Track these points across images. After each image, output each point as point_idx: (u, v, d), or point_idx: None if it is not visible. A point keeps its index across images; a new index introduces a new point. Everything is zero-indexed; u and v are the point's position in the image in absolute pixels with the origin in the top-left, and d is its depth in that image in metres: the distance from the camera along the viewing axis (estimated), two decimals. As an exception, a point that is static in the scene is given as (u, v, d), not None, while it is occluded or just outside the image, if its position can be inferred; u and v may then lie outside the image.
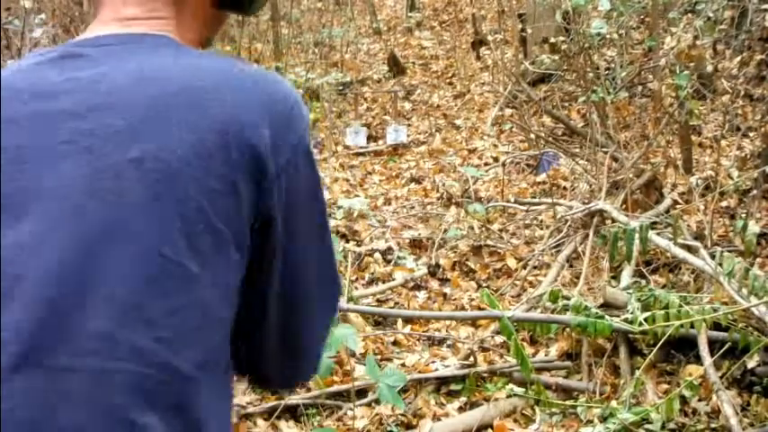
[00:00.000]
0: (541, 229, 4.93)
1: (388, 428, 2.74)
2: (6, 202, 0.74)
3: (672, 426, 2.61)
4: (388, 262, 4.55)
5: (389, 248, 4.68)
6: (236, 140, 0.77)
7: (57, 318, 0.71)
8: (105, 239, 0.73)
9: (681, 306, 2.72)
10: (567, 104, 7.20)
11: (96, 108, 0.77)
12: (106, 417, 0.71)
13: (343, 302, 3.18)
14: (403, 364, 3.21)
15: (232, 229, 0.77)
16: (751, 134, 5.44)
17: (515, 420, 2.81)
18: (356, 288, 4.05)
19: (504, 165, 5.75)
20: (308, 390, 2.88)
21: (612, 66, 6.18)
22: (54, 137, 0.77)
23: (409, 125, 8.35)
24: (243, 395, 2.78)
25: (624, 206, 4.33)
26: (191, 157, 0.75)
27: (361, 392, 2.88)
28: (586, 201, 4.71)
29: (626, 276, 3.59)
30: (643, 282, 3.58)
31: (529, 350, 3.31)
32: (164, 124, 0.76)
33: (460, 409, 2.88)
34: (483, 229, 4.87)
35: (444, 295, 4.12)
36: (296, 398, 2.76)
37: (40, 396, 0.70)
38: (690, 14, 5.24)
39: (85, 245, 0.73)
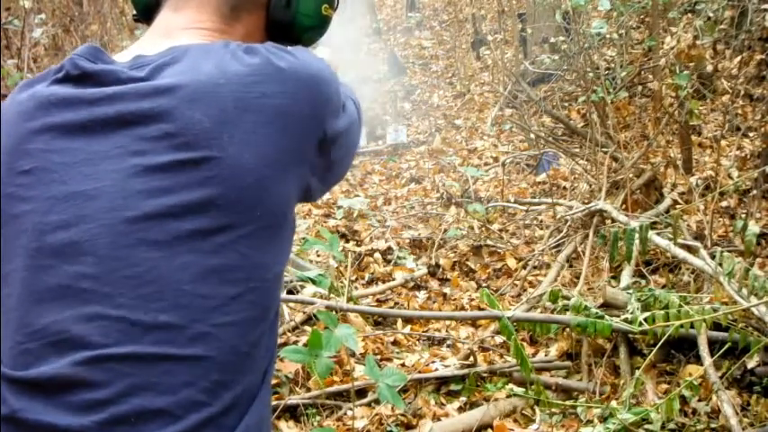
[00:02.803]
0: (541, 229, 4.93)
1: (388, 428, 2.73)
2: None
3: (672, 426, 2.61)
4: (388, 262, 4.55)
5: (389, 248, 4.68)
6: None
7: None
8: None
9: (681, 306, 2.72)
10: (567, 104, 7.20)
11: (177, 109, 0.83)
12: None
13: (343, 302, 3.18)
14: (403, 364, 3.21)
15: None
16: (751, 134, 5.44)
17: (515, 420, 2.81)
18: (356, 288, 4.05)
19: (504, 165, 5.75)
20: (308, 390, 2.88)
21: (612, 66, 6.18)
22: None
23: (409, 125, 8.35)
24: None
25: (624, 206, 4.33)
26: None
27: (361, 392, 2.88)
28: (586, 201, 4.71)
29: (626, 276, 3.59)
30: (643, 282, 3.58)
31: (529, 350, 3.31)
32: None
33: (460, 409, 2.88)
34: (483, 229, 4.87)
35: (444, 295, 4.12)
36: (296, 398, 2.76)
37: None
38: (690, 14, 5.24)
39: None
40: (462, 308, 3.94)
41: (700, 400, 2.72)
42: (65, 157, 0.82)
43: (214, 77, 0.83)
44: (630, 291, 3.18)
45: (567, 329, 3.09)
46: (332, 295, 3.37)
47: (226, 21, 0.95)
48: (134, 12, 1.04)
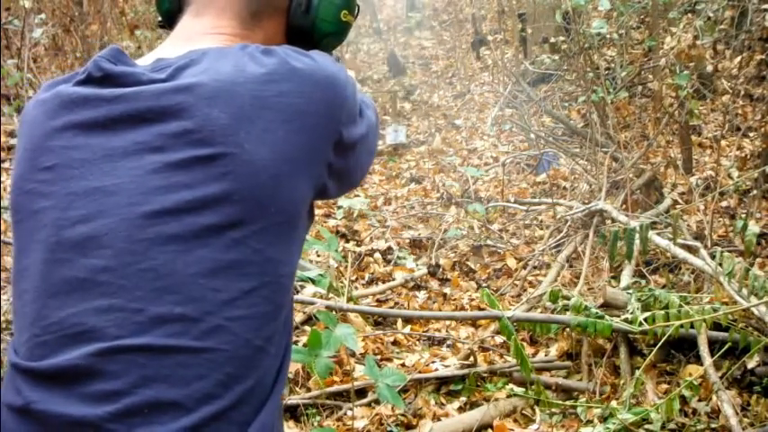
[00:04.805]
0: (541, 229, 4.93)
1: (388, 428, 2.73)
2: None
3: (672, 426, 2.61)
4: (388, 262, 4.54)
5: (389, 248, 4.68)
6: None
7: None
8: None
9: (681, 306, 2.72)
10: (567, 104, 7.20)
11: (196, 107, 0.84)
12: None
13: (343, 302, 3.18)
14: (403, 364, 3.21)
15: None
16: (751, 134, 5.44)
17: (515, 420, 2.81)
18: (356, 288, 4.05)
19: (504, 165, 5.75)
20: (308, 390, 2.88)
21: (612, 66, 6.18)
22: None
23: (409, 125, 8.35)
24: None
25: (624, 206, 4.33)
26: None
27: (361, 392, 2.88)
28: (586, 201, 4.71)
29: (626, 276, 3.59)
30: (643, 282, 3.58)
31: (529, 350, 3.31)
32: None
33: (460, 409, 2.88)
34: (483, 229, 4.87)
35: (444, 295, 4.12)
36: (296, 398, 2.76)
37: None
38: (690, 14, 5.24)
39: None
40: (462, 308, 3.94)
41: (700, 400, 2.72)
42: (85, 154, 0.84)
43: (232, 76, 0.84)
44: (630, 291, 3.18)
45: (567, 329, 3.09)
46: (332, 295, 3.37)
47: (246, 26, 0.96)
48: (159, 19, 1.06)
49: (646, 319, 2.74)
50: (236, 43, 0.93)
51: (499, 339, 3.35)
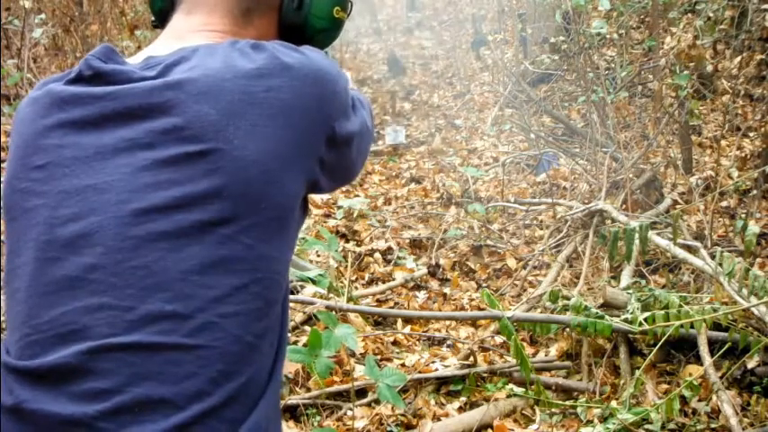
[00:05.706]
0: (541, 229, 4.93)
1: (388, 428, 2.73)
2: None
3: (672, 426, 2.61)
4: (388, 262, 4.54)
5: (389, 248, 4.68)
6: None
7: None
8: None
9: (681, 306, 2.72)
10: (567, 104, 7.20)
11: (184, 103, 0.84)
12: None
13: (343, 302, 3.18)
14: (403, 364, 3.21)
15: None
16: (751, 134, 5.44)
17: (515, 420, 2.81)
18: (356, 288, 4.04)
19: (504, 165, 5.74)
20: (308, 390, 2.88)
21: (612, 66, 6.18)
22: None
23: (409, 125, 8.34)
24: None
25: (624, 206, 4.33)
26: None
27: (361, 392, 2.88)
28: (586, 201, 4.71)
29: (626, 276, 3.59)
30: (643, 282, 3.58)
31: (529, 350, 3.31)
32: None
33: (460, 409, 2.88)
34: (483, 229, 4.86)
35: (444, 295, 4.12)
36: (296, 398, 2.76)
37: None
38: (690, 14, 5.25)
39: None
40: (462, 308, 3.93)
41: (700, 400, 2.72)
42: (76, 152, 0.84)
43: (221, 72, 0.84)
44: (630, 291, 3.18)
45: (567, 329, 3.09)
46: (332, 295, 3.37)
47: (237, 23, 0.96)
48: (152, 18, 1.06)
49: (646, 319, 2.74)
50: (225, 39, 0.93)
51: (499, 339, 3.35)
